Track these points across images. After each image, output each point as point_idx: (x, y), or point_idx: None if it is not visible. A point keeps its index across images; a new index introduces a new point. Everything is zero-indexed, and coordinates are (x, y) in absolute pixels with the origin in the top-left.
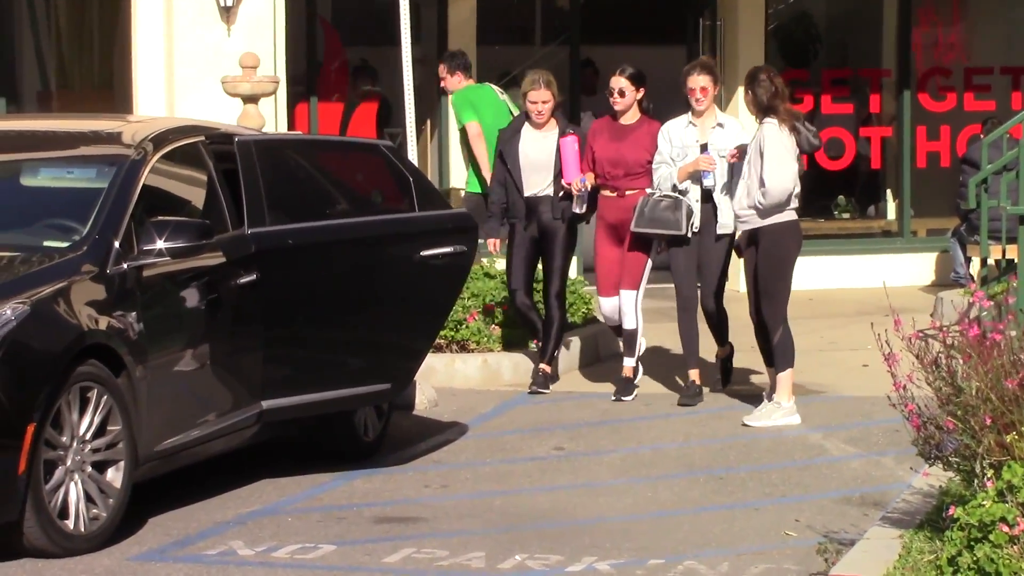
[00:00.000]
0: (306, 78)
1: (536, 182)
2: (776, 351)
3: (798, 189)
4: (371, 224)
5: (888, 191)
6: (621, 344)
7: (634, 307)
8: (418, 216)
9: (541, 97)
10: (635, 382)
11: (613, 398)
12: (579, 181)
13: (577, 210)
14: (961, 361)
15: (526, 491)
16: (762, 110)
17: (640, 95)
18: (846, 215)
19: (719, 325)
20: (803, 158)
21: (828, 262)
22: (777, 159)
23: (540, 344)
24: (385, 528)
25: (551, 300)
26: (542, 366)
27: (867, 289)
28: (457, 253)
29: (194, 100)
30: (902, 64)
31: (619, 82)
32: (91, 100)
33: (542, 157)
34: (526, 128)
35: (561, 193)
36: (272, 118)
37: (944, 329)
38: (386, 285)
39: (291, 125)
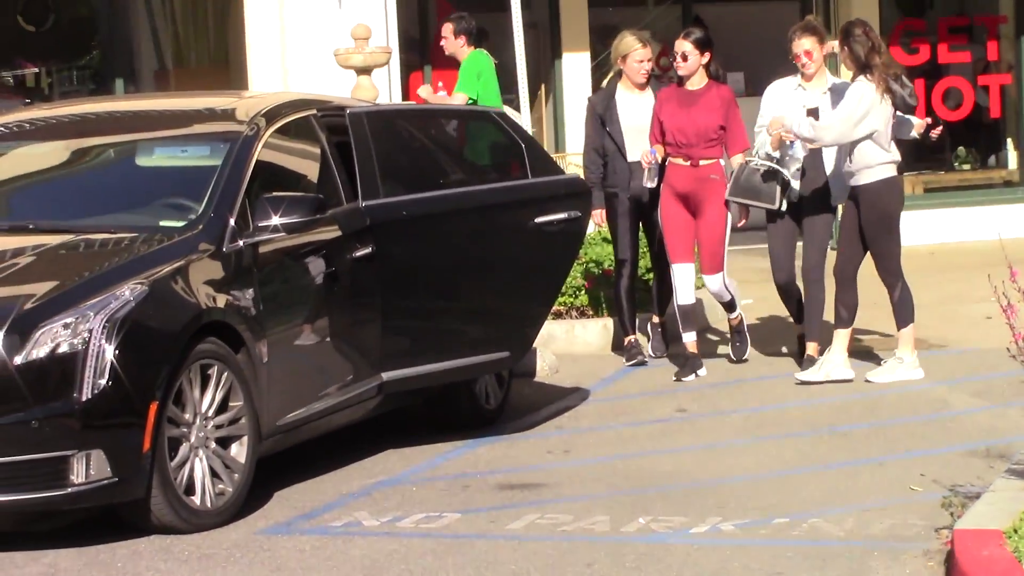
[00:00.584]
0: (419, 47)
1: (640, 147)
2: (896, 307)
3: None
4: (485, 192)
5: (1008, 140)
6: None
7: (691, 282)
8: (531, 183)
9: (647, 55)
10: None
11: (675, 379)
12: (648, 153)
13: (649, 184)
14: None
15: (649, 454)
16: (860, 67)
17: (707, 59)
18: (966, 166)
19: (810, 304)
20: (919, 115)
21: (949, 214)
22: (847, 112)
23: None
24: (508, 495)
25: (660, 259)
26: (655, 319)
27: (990, 241)
28: (571, 219)
29: (308, 74)
30: (1020, 9)
31: (682, 46)
32: (207, 77)
33: (644, 121)
34: (621, 91)
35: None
36: (386, 89)
37: None
38: (501, 253)
39: (406, 95)
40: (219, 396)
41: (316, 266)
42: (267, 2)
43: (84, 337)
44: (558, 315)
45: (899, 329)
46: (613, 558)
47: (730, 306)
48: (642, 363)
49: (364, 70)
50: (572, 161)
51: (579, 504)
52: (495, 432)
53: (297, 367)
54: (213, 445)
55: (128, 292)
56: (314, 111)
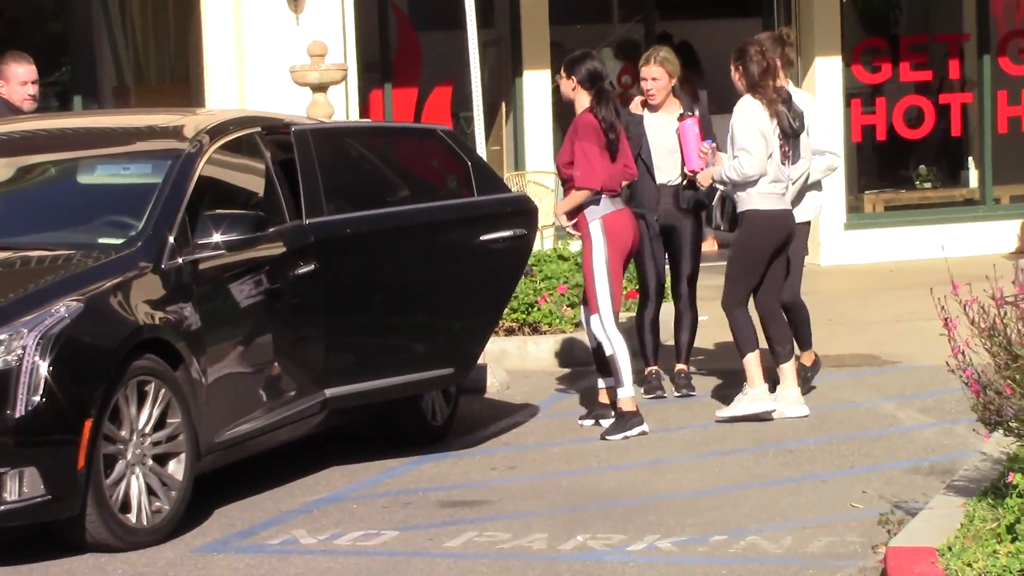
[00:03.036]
0: (379, 65)
1: (668, 168)
2: (734, 336)
3: (771, 175)
4: (430, 210)
5: (969, 158)
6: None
7: (590, 326)
8: (477, 200)
9: (651, 74)
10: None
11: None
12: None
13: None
14: (1019, 328)
15: (593, 471)
16: (751, 87)
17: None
18: (927, 184)
19: (801, 323)
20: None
21: (910, 232)
22: (747, 137)
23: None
24: (449, 512)
25: (684, 297)
26: (680, 366)
27: (950, 259)
28: (517, 236)
29: (265, 91)
30: (982, 28)
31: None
32: (167, 94)
33: (668, 141)
34: (646, 111)
35: (685, 181)
36: (343, 106)
37: (1001, 298)
38: (446, 270)
39: (364, 112)
40: (156, 413)
41: (258, 283)
42: (225, 20)
43: (18, 354)
44: (511, 331)
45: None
46: None
47: (602, 367)
48: (661, 396)
49: (320, 87)
50: (532, 180)
51: (519, 521)
52: (442, 449)
53: (238, 384)
54: (150, 462)
55: (63, 309)
56: (259, 128)
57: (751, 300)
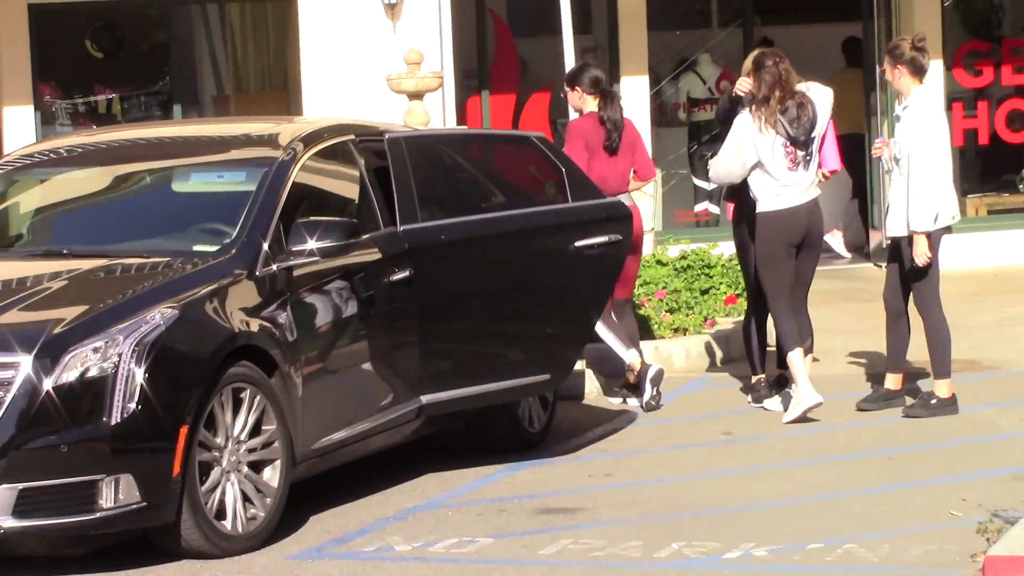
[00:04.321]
0: (477, 72)
1: None
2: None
3: (779, 180)
4: (524, 216)
5: None
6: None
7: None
8: (571, 207)
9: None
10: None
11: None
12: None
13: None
14: None
15: (690, 478)
16: (756, 100)
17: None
18: None
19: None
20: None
21: (1013, 236)
22: (727, 145)
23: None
24: (544, 519)
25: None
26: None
27: None
28: (611, 242)
29: (360, 99)
30: None
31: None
32: (265, 102)
33: None
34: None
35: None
36: (439, 113)
37: None
38: (541, 277)
39: (461, 120)
40: (251, 420)
41: (352, 290)
42: (322, 28)
43: (114, 361)
44: None
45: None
46: None
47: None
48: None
49: (416, 95)
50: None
51: (614, 529)
52: (538, 455)
53: (333, 390)
54: (245, 469)
55: (158, 316)
56: (352, 136)
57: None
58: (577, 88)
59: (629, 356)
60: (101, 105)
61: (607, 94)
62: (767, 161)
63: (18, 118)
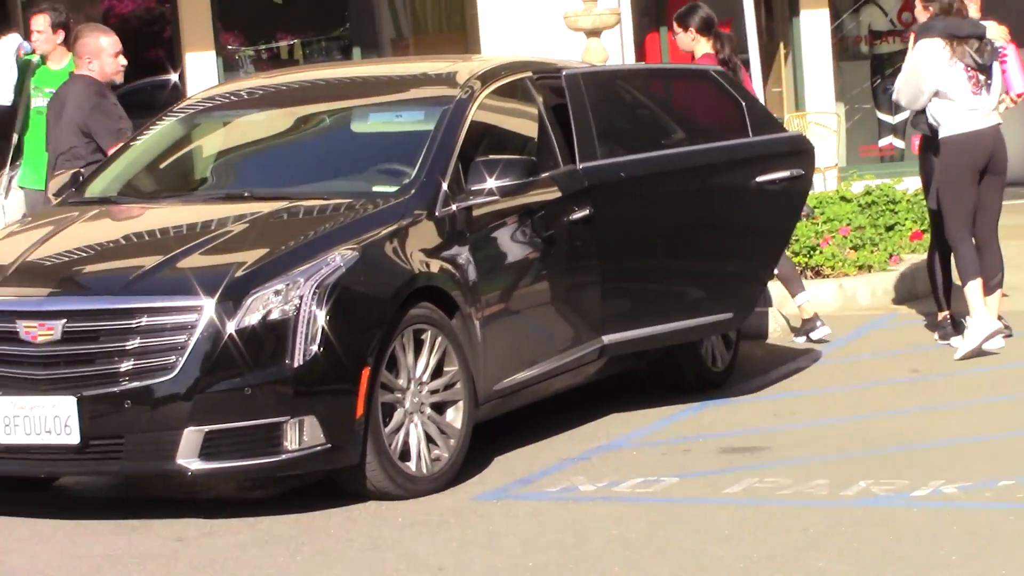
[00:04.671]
0: (654, 8)
1: None
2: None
3: (965, 104)
4: (704, 152)
5: None
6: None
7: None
8: (752, 141)
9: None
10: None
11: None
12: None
13: None
14: None
15: (877, 416)
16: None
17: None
18: None
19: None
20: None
21: None
22: (908, 72)
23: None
24: (728, 459)
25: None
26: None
27: None
28: (794, 177)
29: (538, 37)
30: None
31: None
32: (443, 44)
33: None
34: None
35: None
36: (618, 51)
37: None
38: (722, 213)
39: (640, 57)
40: (433, 361)
41: (532, 229)
42: None
43: (295, 303)
44: None
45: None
46: (829, 522)
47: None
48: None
49: (593, 32)
50: (813, 120)
51: (800, 468)
52: (722, 395)
53: (513, 332)
54: (428, 411)
55: (339, 258)
56: (530, 73)
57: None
58: (690, 28)
59: (801, 297)
60: (283, 51)
61: (721, 36)
62: (950, 86)
63: (200, 64)
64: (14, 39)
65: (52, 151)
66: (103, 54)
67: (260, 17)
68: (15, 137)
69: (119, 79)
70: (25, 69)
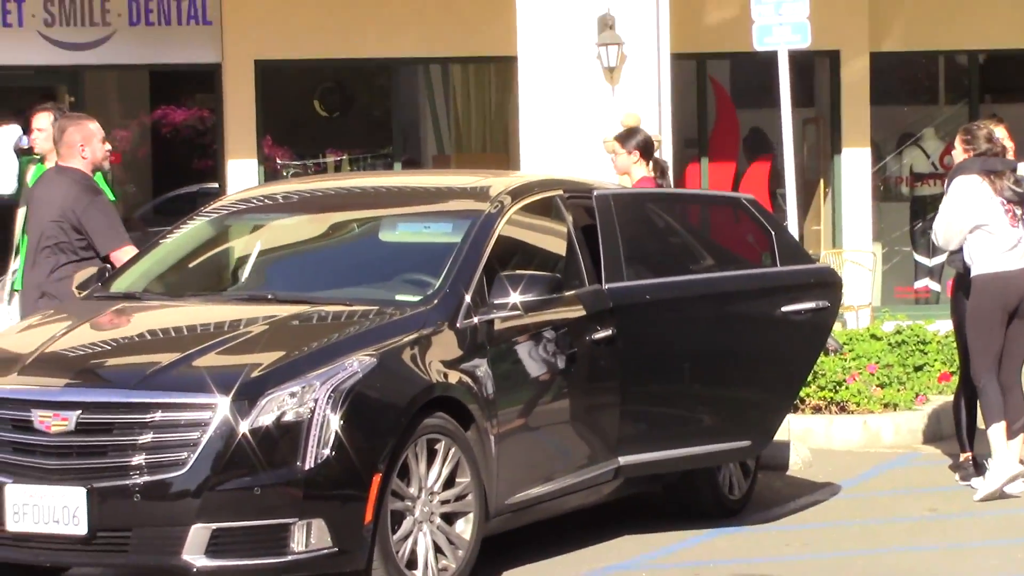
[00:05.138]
0: (697, 139)
1: None
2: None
3: (1004, 241)
4: (731, 279)
5: None
6: None
7: None
8: (779, 271)
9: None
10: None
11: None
12: None
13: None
14: None
15: (891, 551)
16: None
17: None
18: None
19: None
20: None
21: None
22: (948, 208)
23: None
24: None
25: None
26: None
27: None
28: (819, 309)
29: (576, 160)
30: None
31: (611, 144)
32: (485, 163)
33: None
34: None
35: None
36: None
37: None
38: (745, 341)
39: (680, 186)
40: (446, 471)
41: (553, 346)
42: (541, 90)
43: (310, 406)
44: (817, 409)
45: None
46: None
47: None
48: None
49: None
50: (849, 258)
51: None
52: (737, 523)
53: (529, 447)
54: (438, 520)
55: (356, 364)
56: (561, 191)
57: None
58: (633, 151)
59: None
60: (330, 167)
61: (659, 162)
62: (990, 219)
63: (242, 171)
64: (14, 130)
65: (34, 239)
66: (94, 139)
67: (307, 132)
68: (16, 238)
69: (107, 165)
70: (26, 165)
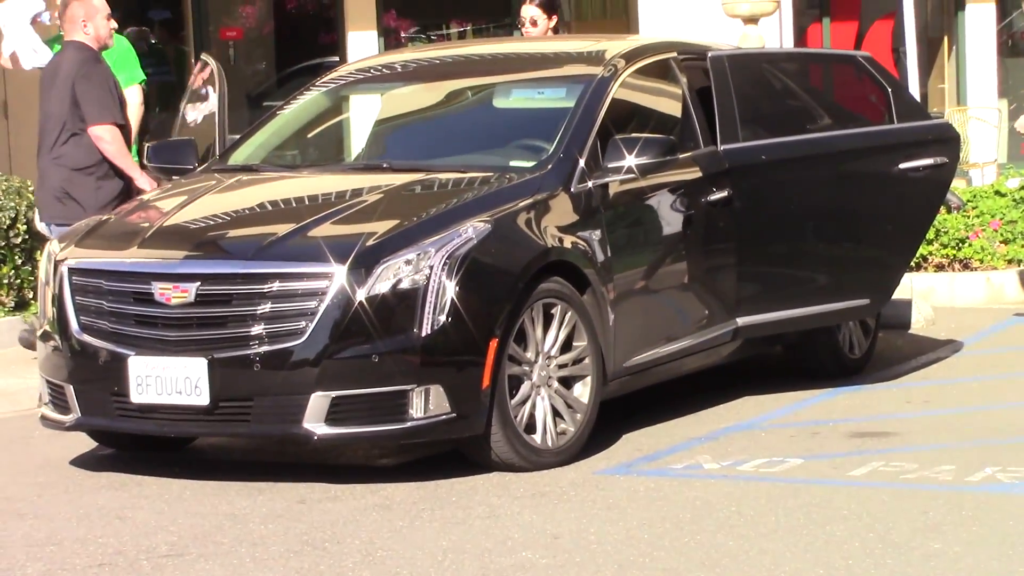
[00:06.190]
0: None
1: None
2: None
3: None
4: (847, 137)
5: None
6: None
7: None
8: (896, 128)
9: None
10: None
11: None
12: None
13: None
14: None
15: (1012, 406)
16: None
17: (553, 23)
18: None
19: None
20: None
21: None
22: None
23: None
24: (857, 442)
25: None
26: None
27: None
28: (937, 165)
29: (696, 23)
30: None
31: (529, 10)
32: (605, 28)
33: None
34: None
35: None
36: (776, 39)
37: None
38: (863, 199)
39: (800, 46)
40: (562, 335)
41: (669, 208)
42: None
43: (425, 273)
44: (940, 267)
45: None
46: (950, 506)
47: None
48: None
49: (750, 19)
50: (974, 115)
51: (927, 453)
52: (858, 381)
53: (646, 309)
54: (555, 384)
55: (471, 230)
56: (675, 54)
57: None
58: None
59: None
60: (453, 39)
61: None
62: None
63: (362, 44)
64: (31, 4)
65: (43, 119)
66: (98, 16)
67: (429, 3)
68: None
69: (111, 43)
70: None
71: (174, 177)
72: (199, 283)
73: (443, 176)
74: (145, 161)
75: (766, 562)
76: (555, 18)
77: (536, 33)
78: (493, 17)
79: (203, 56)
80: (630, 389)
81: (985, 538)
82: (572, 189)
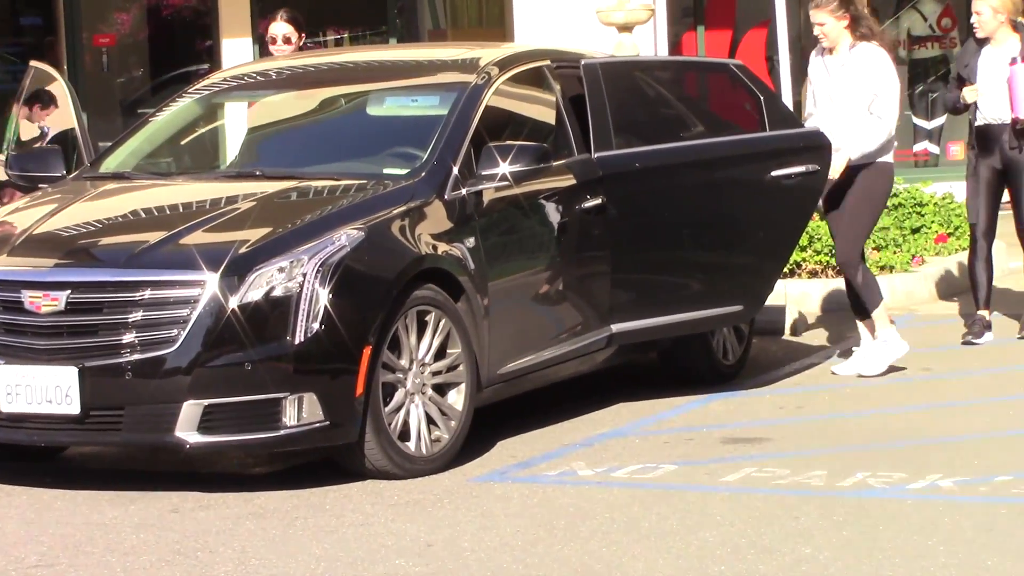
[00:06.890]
0: (693, 8)
1: (993, 107)
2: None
3: None
4: (720, 145)
5: None
6: None
7: None
8: (768, 135)
9: (975, 7)
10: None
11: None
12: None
13: None
14: None
15: (883, 411)
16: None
17: (302, 41)
18: None
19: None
20: None
21: None
22: None
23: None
24: (730, 448)
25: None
26: (981, 313)
27: None
28: (809, 172)
29: (571, 32)
30: None
31: (282, 27)
32: (480, 36)
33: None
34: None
35: (1017, 128)
36: (651, 48)
37: None
38: (736, 206)
39: (675, 55)
40: (436, 343)
41: (542, 215)
42: None
43: (299, 281)
44: (813, 273)
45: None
46: (822, 512)
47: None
48: (970, 343)
49: (625, 27)
50: None
51: (800, 459)
52: (732, 388)
53: (520, 316)
54: (430, 392)
55: (344, 237)
56: (548, 61)
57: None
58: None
59: None
60: (329, 46)
61: None
62: None
63: (237, 51)
64: None
65: None
66: None
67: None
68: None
69: None
70: None
71: (41, 186)
72: (70, 291)
73: (317, 184)
74: (6, 170)
75: (639, 568)
76: (304, 36)
77: (289, 51)
78: (370, 25)
79: (32, 63)
80: (504, 396)
81: (855, 543)
82: (446, 196)
